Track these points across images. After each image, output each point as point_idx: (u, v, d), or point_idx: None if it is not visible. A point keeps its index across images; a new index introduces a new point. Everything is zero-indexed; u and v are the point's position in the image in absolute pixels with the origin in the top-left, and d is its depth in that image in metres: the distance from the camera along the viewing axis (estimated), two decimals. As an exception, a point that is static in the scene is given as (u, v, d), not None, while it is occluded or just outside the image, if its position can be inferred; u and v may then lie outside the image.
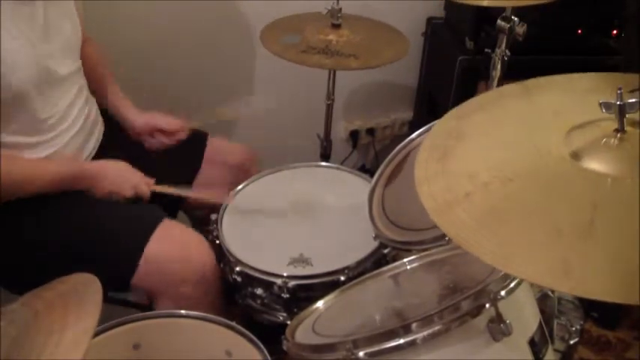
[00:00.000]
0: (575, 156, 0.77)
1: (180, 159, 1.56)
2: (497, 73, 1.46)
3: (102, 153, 1.45)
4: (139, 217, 1.34)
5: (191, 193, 1.50)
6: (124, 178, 1.36)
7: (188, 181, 1.56)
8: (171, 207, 1.55)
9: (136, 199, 1.37)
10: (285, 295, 1.27)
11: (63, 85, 1.31)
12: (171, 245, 1.29)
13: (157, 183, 1.40)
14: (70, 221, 1.31)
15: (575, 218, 0.70)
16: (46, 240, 1.29)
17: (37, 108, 1.25)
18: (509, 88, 0.99)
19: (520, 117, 0.91)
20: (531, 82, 0.97)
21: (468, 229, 0.73)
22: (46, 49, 1.25)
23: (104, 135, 1.49)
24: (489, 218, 0.74)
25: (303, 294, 1.28)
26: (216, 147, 1.62)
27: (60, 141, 1.32)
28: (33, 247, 1.29)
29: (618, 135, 0.77)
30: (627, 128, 0.77)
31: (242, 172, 1.60)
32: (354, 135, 2.39)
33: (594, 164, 0.76)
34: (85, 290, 0.85)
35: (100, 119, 1.50)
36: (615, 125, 0.77)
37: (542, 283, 0.66)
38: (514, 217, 0.73)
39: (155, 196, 1.39)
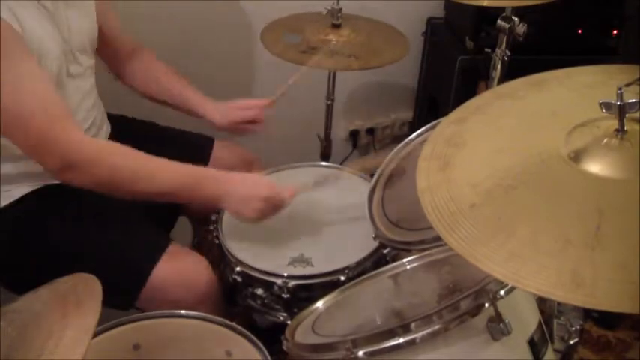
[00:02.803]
0: (577, 158, 0.77)
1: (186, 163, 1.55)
2: (497, 73, 1.46)
3: None
4: (147, 241, 1.32)
5: None
6: (252, 195, 1.27)
7: None
8: (172, 211, 1.55)
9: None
10: (285, 295, 1.27)
11: (74, 83, 1.30)
12: (179, 272, 1.28)
13: None
14: (76, 231, 1.29)
15: (581, 226, 0.68)
16: (48, 246, 1.28)
17: None
18: (507, 86, 0.98)
19: (519, 118, 0.90)
20: (529, 79, 0.96)
21: (476, 242, 0.72)
22: (66, 47, 1.25)
23: (110, 139, 1.49)
24: (496, 230, 0.72)
25: (303, 294, 1.28)
26: (222, 152, 1.61)
27: None
28: (34, 249, 1.29)
29: (619, 135, 0.76)
30: (627, 128, 0.76)
31: None
32: (354, 135, 2.39)
33: (596, 167, 0.75)
34: (85, 290, 0.85)
35: (106, 122, 1.49)
36: (615, 124, 0.76)
37: (554, 296, 0.64)
38: (520, 229, 0.71)
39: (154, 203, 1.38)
